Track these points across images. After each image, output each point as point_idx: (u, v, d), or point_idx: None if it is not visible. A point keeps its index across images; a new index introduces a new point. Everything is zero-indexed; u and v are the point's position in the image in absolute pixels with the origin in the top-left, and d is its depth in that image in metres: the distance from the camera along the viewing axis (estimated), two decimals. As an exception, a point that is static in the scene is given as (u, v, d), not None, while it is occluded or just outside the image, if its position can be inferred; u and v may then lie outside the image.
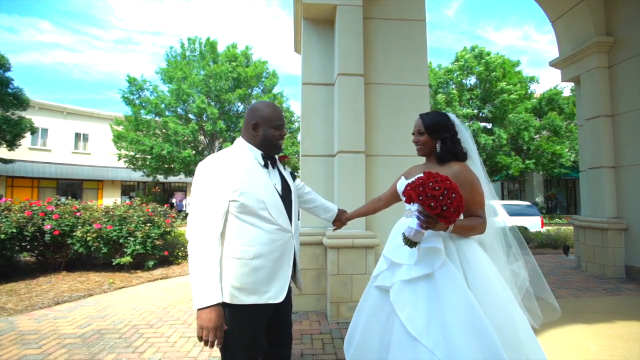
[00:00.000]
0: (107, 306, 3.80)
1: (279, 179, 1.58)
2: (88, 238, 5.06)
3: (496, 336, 1.28)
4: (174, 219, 6.28)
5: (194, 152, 17.90)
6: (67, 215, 5.30)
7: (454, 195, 1.26)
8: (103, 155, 22.48)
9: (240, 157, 1.47)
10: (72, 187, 22.07)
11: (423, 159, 1.74)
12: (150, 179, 20.13)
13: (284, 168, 1.70)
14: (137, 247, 5.25)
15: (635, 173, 4.92)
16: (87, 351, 2.67)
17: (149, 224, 5.56)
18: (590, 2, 5.28)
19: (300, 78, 4.09)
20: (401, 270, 1.47)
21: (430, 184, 1.27)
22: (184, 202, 23.91)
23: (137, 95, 17.73)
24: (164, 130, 17.44)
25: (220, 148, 17.32)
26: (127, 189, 24.52)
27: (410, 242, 1.35)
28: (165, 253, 5.82)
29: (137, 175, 21.00)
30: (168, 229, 5.93)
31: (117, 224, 5.31)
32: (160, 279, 5.13)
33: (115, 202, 7.10)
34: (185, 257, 6.15)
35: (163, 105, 17.33)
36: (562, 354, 2.61)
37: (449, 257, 1.42)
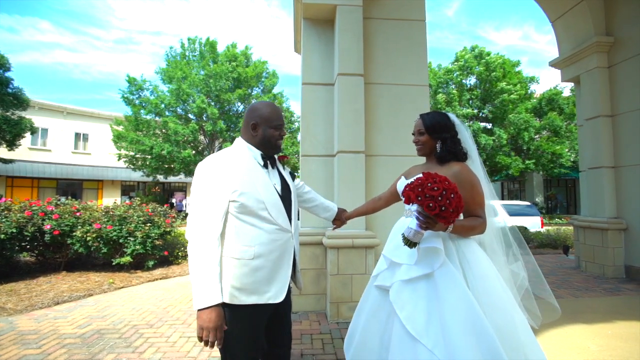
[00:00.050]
0: (107, 306, 3.80)
1: (279, 179, 1.58)
2: (88, 238, 5.06)
3: (495, 336, 1.28)
4: (173, 219, 6.28)
5: (194, 152, 17.90)
6: (67, 215, 5.30)
7: (452, 195, 1.26)
8: (103, 155, 22.48)
9: (239, 157, 1.47)
10: (72, 187, 22.07)
11: (423, 159, 1.75)
12: (150, 179, 20.13)
13: (284, 168, 1.70)
14: (137, 247, 5.25)
15: (635, 173, 4.93)
16: (87, 351, 2.67)
17: (148, 224, 5.56)
18: (590, 2, 5.29)
19: (300, 78, 4.09)
20: (401, 270, 1.47)
21: (429, 184, 1.27)
22: (183, 202, 23.91)
23: (137, 95, 17.74)
24: (164, 130, 17.44)
25: (220, 148, 17.32)
26: (127, 189, 24.51)
27: (409, 243, 1.35)
28: (165, 253, 5.82)
29: (137, 175, 21.01)
30: (168, 229, 5.93)
31: (117, 224, 5.32)
32: (160, 279, 5.13)
33: (115, 202, 7.11)
34: (185, 257, 6.15)
35: (163, 105, 17.32)
36: (561, 354, 2.61)
37: (448, 257, 1.43)
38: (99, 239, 5.14)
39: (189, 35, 42.09)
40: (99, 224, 5.18)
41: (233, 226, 1.39)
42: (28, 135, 16.79)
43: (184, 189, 26.07)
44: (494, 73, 17.53)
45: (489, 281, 1.43)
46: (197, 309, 1.29)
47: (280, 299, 1.45)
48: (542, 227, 10.20)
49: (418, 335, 1.32)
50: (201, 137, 18.40)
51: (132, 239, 5.30)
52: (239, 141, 1.55)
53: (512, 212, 9.45)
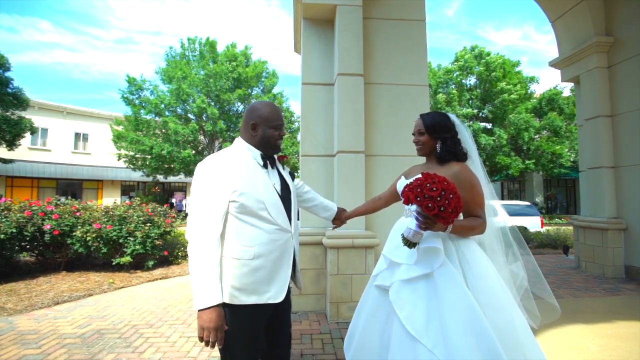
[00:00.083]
0: (107, 306, 3.80)
1: (278, 179, 1.58)
2: (88, 238, 5.07)
3: (495, 336, 1.29)
4: (173, 219, 6.29)
5: (194, 152, 17.90)
6: (66, 215, 5.30)
7: (451, 195, 1.26)
8: (103, 155, 22.48)
9: (239, 157, 1.47)
10: (72, 187, 22.07)
11: (423, 159, 1.75)
12: (150, 179, 20.13)
13: (283, 168, 1.70)
14: (137, 247, 5.25)
15: (635, 173, 4.93)
16: (87, 351, 2.67)
17: (148, 224, 5.56)
18: (590, 2, 5.29)
19: (300, 78, 4.10)
20: (400, 269, 1.47)
21: (428, 185, 1.27)
22: (183, 202, 23.91)
23: (136, 95, 17.74)
24: (163, 130, 17.44)
25: (220, 148, 17.32)
26: (127, 189, 24.51)
27: (409, 243, 1.35)
28: (165, 253, 5.83)
29: (137, 175, 21.01)
30: (168, 229, 5.93)
31: (117, 224, 5.32)
32: (160, 279, 5.13)
33: (115, 202, 7.11)
34: (184, 257, 6.15)
35: (163, 105, 17.33)
36: (561, 354, 2.61)
37: (448, 257, 1.43)
38: (98, 239, 5.14)
39: (188, 35, 42.15)
40: (98, 224, 5.18)
41: (233, 226, 1.39)
42: (28, 135, 16.78)
43: (183, 189, 26.07)
44: (494, 73, 17.53)
45: (489, 281, 1.43)
46: (197, 309, 1.29)
47: (280, 299, 1.45)
48: (542, 227, 10.20)
49: (418, 335, 1.32)
50: (201, 137, 18.41)
51: (132, 239, 5.30)
52: (239, 141, 1.55)
53: (512, 212, 9.45)
